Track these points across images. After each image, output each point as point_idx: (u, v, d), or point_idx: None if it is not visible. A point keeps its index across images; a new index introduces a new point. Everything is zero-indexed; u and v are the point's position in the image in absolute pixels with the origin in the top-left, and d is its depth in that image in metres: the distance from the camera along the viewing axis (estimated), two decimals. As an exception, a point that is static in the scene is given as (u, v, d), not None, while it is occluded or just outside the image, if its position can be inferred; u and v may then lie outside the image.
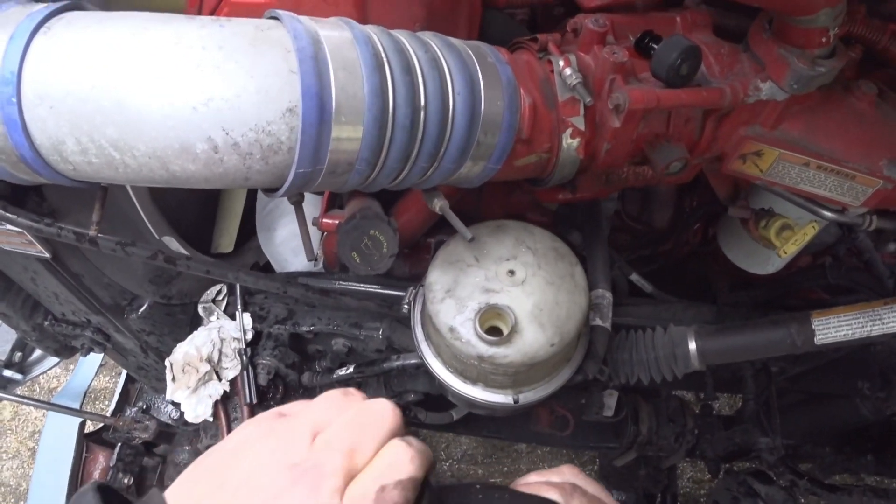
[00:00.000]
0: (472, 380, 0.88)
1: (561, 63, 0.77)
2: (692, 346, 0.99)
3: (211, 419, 1.16)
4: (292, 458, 0.48)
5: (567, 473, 0.65)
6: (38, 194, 0.97)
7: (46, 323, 1.21)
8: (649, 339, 1.01)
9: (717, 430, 1.49)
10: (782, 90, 0.79)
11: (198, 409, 1.14)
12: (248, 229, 1.39)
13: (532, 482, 0.63)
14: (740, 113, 0.82)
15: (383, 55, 0.66)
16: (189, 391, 1.13)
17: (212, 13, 0.81)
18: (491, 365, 0.81)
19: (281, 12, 0.65)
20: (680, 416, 1.46)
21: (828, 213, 0.91)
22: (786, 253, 0.93)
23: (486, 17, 0.96)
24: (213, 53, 0.60)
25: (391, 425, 0.51)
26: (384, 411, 0.52)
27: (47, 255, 1.01)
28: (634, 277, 1.18)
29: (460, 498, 0.56)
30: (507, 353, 0.79)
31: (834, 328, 0.95)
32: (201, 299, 1.21)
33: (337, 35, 0.65)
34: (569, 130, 0.78)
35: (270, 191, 0.69)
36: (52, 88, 0.60)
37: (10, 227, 0.96)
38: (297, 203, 0.76)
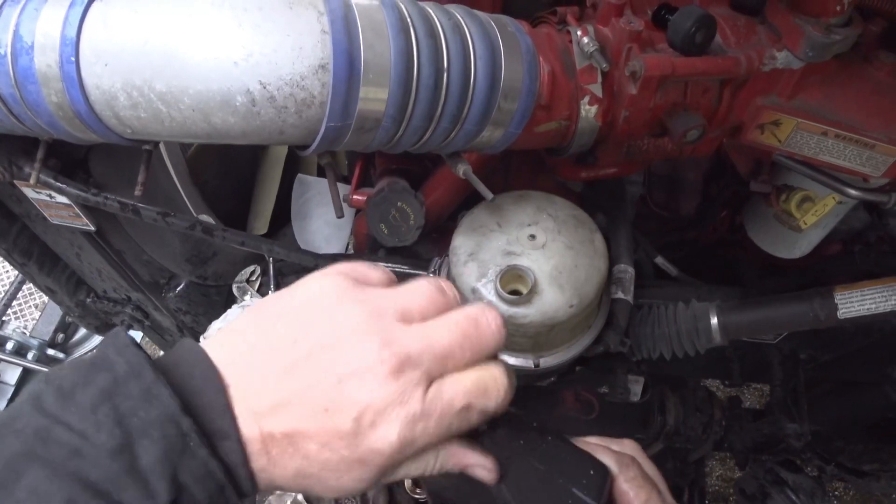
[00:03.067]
0: (495, 344, 0.90)
1: (579, 32, 0.80)
2: (714, 320, 1.00)
3: (243, 394, 1.19)
4: (383, 336, 0.46)
5: (628, 446, 0.64)
6: (85, 171, 1.03)
7: (89, 300, 1.27)
8: (671, 313, 1.02)
9: (745, 422, 1.48)
10: (798, 58, 0.81)
11: (231, 383, 1.18)
12: (281, 220, 1.44)
13: (592, 442, 0.62)
14: (757, 82, 0.84)
15: (409, 19, 0.70)
16: (223, 366, 1.17)
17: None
18: (512, 325, 0.83)
19: (314, -21, 0.69)
20: (707, 406, 1.45)
21: (850, 190, 0.92)
22: (806, 224, 0.94)
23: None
24: (253, 14, 0.65)
25: (495, 344, 0.49)
26: (491, 327, 0.49)
27: (92, 227, 1.07)
28: (659, 260, 1.19)
29: (511, 434, 0.57)
30: (528, 313, 0.82)
31: (857, 302, 0.95)
32: (235, 279, 1.26)
33: (366, 0, 0.69)
34: (587, 97, 0.81)
35: (302, 148, 0.73)
36: (108, 47, 0.65)
37: (59, 200, 1.03)
38: (328, 164, 0.80)
